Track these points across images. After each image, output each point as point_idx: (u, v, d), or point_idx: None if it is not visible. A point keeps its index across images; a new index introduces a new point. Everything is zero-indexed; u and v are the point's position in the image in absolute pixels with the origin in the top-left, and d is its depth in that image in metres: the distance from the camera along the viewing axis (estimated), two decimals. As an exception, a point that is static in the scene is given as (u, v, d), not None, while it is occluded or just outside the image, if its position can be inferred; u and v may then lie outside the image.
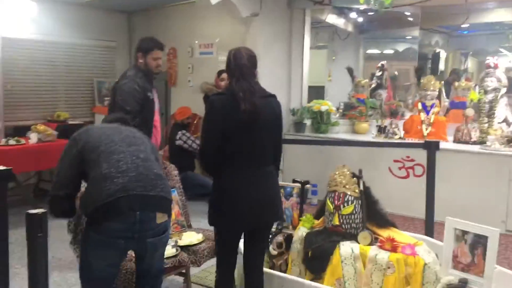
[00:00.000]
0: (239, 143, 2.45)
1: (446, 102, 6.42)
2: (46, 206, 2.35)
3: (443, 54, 8.47)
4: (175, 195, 3.36)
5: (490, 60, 5.77)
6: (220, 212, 2.50)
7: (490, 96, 5.57)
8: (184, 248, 3.02)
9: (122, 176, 2.20)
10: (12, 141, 5.13)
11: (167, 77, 7.17)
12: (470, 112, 5.48)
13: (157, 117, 3.79)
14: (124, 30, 7.64)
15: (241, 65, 2.47)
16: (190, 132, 5.95)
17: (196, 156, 5.63)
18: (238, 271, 2.79)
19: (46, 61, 6.45)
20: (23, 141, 5.23)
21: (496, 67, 5.77)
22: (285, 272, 2.98)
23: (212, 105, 2.50)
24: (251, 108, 2.39)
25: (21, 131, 5.62)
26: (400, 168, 5.47)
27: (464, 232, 2.47)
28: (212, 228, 2.64)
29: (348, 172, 2.91)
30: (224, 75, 5.31)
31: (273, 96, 2.58)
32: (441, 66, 8.49)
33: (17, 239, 3.99)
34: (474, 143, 5.36)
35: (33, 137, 5.29)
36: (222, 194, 2.49)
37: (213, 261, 3.14)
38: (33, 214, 1.73)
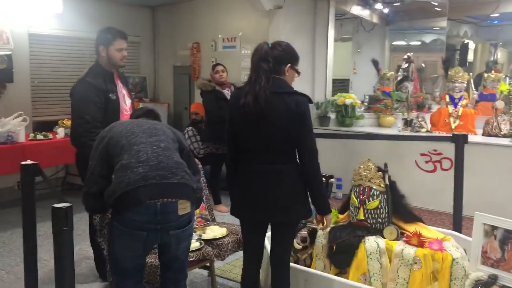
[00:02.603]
0: (249, 138, 2.44)
1: (475, 94, 6.28)
2: (81, 202, 2.42)
3: (471, 45, 8.28)
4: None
5: (521, 51, 5.61)
6: (234, 204, 2.58)
7: (520, 88, 5.42)
8: (208, 241, 3.03)
9: (143, 165, 2.23)
10: (40, 136, 5.23)
11: (190, 71, 7.20)
12: (500, 104, 5.33)
13: (127, 117, 3.31)
14: (148, 25, 7.69)
15: (259, 59, 2.41)
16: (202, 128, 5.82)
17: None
18: (264, 265, 2.79)
19: (72, 56, 6.55)
20: (50, 135, 5.33)
21: (527, 57, 5.61)
22: (309, 266, 2.97)
23: (230, 100, 2.57)
24: (252, 102, 2.33)
25: (48, 126, 5.74)
26: (427, 162, 5.37)
27: (494, 228, 2.41)
28: (236, 222, 2.66)
29: (373, 166, 2.87)
30: (218, 68, 5.26)
31: (294, 94, 2.43)
32: (470, 57, 8.30)
33: (46, 232, 4.09)
34: (504, 136, 5.22)
35: (60, 132, 5.39)
36: (236, 189, 2.56)
37: (237, 255, 3.15)
38: (59, 208, 1.74)
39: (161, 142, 2.37)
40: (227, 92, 5.14)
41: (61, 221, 1.72)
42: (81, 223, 4.12)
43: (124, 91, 3.47)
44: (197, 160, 3.45)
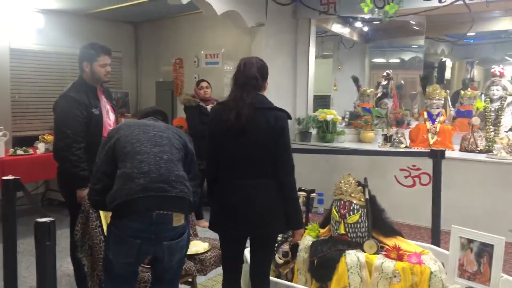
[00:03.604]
0: (230, 154, 2.48)
1: (452, 111, 6.43)
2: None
3: (449, 63, 8.49)
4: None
5: (496, 69, 5.78)
6: (214, 220, 2.57)
7: (496, 105, 5.57)
8: (191, 256, 3.03)
9: (144, 177, 2.28)
10: (20, 151, 5.18)
11: (173, 87, 7.22)
12: (476, 120, 5.47)
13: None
14: (130, 41, 7.71)
15: (246, 76, 2.47)
16: None
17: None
18: (245, 280, 2.80)
19: (53, 71, 6.52)
20: (30, 151, 5.28)
21: (502, 75, 5.77)
22: (291, 281, 2.99)
23: (210, 116, 2.60)
24: (235, 118, 2.39)
25: (28, 141, 5.67)
26: (406, 177, 5.46)
27: (470, 241, 2.47)
28: (218, 237, 2.67)
29: (353, 181, 2.92)
30: (203, 84, 5.32)
31: (274, 109, 2.48)
32: (447, 75, 8.50)
33: (25, 248, 4.03)
34: (481, 151, 5.34)
35: (40, 147, 5.34)
36: (215, 203, 2.57)
37: (219, 270, 3.15)
38: (42, 222, 1.75)
39: (164, 154, 2.40)
40: (209, 107, 5.18)
41: (44, 236, 1.72)
42: (62, 239, 4.07)
43: (108, 106, 3.48)
44: None
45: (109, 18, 7.13)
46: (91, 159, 3.13)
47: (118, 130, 2.51)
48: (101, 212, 2.92)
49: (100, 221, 2.91)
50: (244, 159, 2.46)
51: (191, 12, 6.47)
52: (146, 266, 2.75)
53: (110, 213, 2.40)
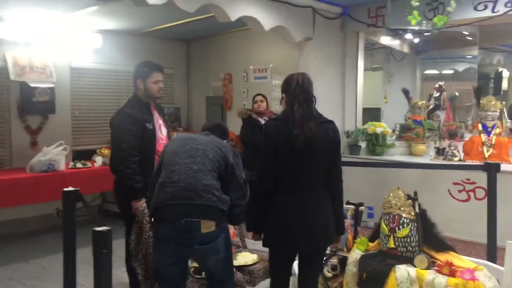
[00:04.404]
0: (292, 168, 2.50)
1: (508, 122, 6.18)
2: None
3: (505, 73, 8.19)
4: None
5: (554, 78, 5.53)
6: (269, 235, 2.59)
7: (554, 115, 5.33)
8: (240, 268, 3.07)
9: (173, 186, 2.50)
10: (79, 164, 5.45)
11: (223, 102, 7.36)
12: (534, 132, 5.25)
13: (162, 146, 3.33)
14: (182, 57, 7.97)
15: (299, 91, 2.53)
16: None
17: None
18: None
19: (110, 88, 6.84)
20: (89, 164, 5.54)
21: (562, 85, 5.53)
22: (339, 294, 2.97)
23: (266, 131, 2.61)
24: (304, 133, 2.43)
25: (87, 155, 5.96)
26: (460, 191, 5.29)
27: (527, 257, 2.38)
28: (266, 249, 2.70)
29: (402, 194, 2.88)
30: (257, 98, 5.44)
31: (330, 122, 2.60)
32: (504, 86, 8.20)
33: (83, 257, 4.19)
34: (540, 164, 5.11)
35: (98, 160, 5.60)
36: (275, 218, 2.55)
37: (268, 281, 3.18)
38: (99, 231, 1.85)
39: (195, 164, 2.57)
40: (263, 120, 5.27)
41: (101, 244, 1.82)
42: (117, 249, 4.21)
43: (161, 121, 3.62)
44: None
45: (162, 37, 7.40)
46: (145, 172, 3.28)
47: (167, 144, 2.79)
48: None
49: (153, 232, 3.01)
50: (304, 173, 2.51)
51: (239, 29, 6.61)
52: (197, 276, 2.85)
53: None
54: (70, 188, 2.56)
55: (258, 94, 5.59)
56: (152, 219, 2.67)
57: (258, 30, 5.34)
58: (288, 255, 2.64)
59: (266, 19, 5.22)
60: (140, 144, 3.35)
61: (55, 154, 5.11)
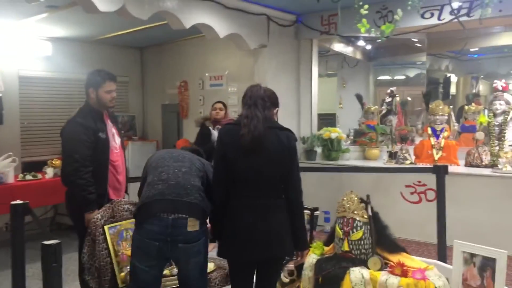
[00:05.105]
0: (243, 172, 2.50)
1: (456, 126, 6.44)
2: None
3: (454, 78, 8.52)
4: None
5: (498, 83, 5.81)
6: (224, 244, 2.58)
7: (499, 119, 5.58)
8: (196, 277, 3.04)
9: (162, 183, 2.57)
10: (29, 176, 5.26)
11: (179, 109, 7.31)
12: (480, 135, 5.48)
13: (116, 155, 3.49)
14: (136, 65, 7.87)
15: (255, 96, 2.56)
16: None
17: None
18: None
19: (61, 97, 6.67)
20: (39, 176, 5.36)
21: (504, 89, 5.80)
22: (297, 299, 2.99)
23: (218, 137, 2.65)
24: (251, 133, 2.44)
25: (37, 166, 5.76)
26: (412, 193, 5.46)
27: (473, 255, 2.47)
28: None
29: (356, 198, 2.93)
30: (216, 105, 5.37)
31: (285, 129, 2.59)
32: (453, 90, 8.52)
33: (34, 272, 4.07)
34: (486, 166, 5.34)
35: (49, 172, 5.42)
36: (227, 226, 2.55)
37: (225, 290, 3.17)
38: (48, 244, 1.80)
39: (183, 167, 2.68)
40: (216, 129, 5.20)
41: (50, 258, 1.77)
42: (70, 262, 4.11)
43: (114, 130, 3.56)
44: None
45: (115, 44, 7.29)
46: (98, 183, 3.21)
47: (150, 157, 2.87)
48: (107, 234, 2.97)
49: (107, 243, 2.96)
50: (257, 179, 2.50)
51: (194, 36, 6.60)
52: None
53: (115, 236, 2.68)
54: (18, 201, 2.48)
55: (218, 102, 5.48)
56: (135, 220, 2.68)
57: (213, 38, 5.34)
58: (244, 265, 2.60)
59: (221, 27, 5.23)
60: (93, 154, 3.28)
61: (3, 166, 4.92)
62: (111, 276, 2.90)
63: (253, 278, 2.67)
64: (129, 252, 3.02)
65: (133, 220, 3.13)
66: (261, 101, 2.56)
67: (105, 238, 2.96)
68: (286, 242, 2.57)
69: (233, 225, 2.53)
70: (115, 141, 3.54)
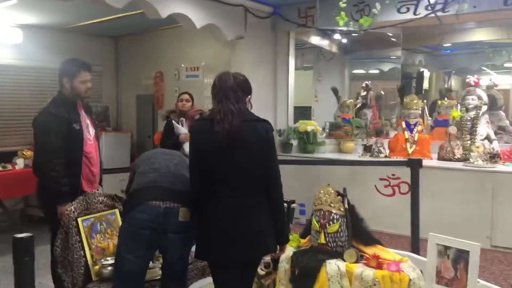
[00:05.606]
0: (219, 170, 2.36)
1: (429, 120, 6.54)
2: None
3: (427, 73, 8.65)
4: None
5: (471, 79, 5.91)
6: (202, 245, 2.44)
7: (471, 114, 5.69)
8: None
9: (154, 172, 2.63)
10: (-2, 167, 5.13)
11: (154, 100, 7.22)
12: (452, 129, 5.58)
13: (90, 147, 3.40)
14: (110, 55, 7.72)
15: (225, 87, 2.39)
16: None
17: None
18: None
19: (32, 86, 6.49)
20: (9, 167, 5.23)
21: (477, 85, 5.91)
22: (273, 292, 2.99)
23: (191, 134, 2.50)
24: (226, 129, 2.29)
25: (7, 157, 5.61)
26: (386, 186, 5.53)
27: (447, 248, 2.52)
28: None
29: (332, 191, 2.95)
30: (183, 96, 5.05)
31: (263, 121, 2.44)
32: (426, 85, 8.65)
33: (5, 266, 3.97)
34: (458, 160, 5.44)
35: (19, 163, 5.30)
36: (207, 227, 2.40)
37: (201, 283, 3.15)
38: (20, 238, 1.74)
39: (174, 160, 2.77)
40: (181, 121, 4.94)
41: (22, 251, 1.72)
42: (42, 256, 4.01)
43: (88, 121, 3.47)
44: None
45: (89, 33, 7.13)
46: (71, 174, 3.14)
47: (141, 155, 2.95)
48: (81, 227, 2.91)
49: (80, 236, 2.90)
50: (236, 176, 2.35)
51: (171, 26, 6.50)
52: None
53: (89, 229, 2.68)
54: (-13, 193, 2.41)
55: (184, 93, 5.18)
56: (124, 209, 2.70)
57: (189, 28, 5.27)
58: (230, 265, 2.44)
59: (198, 17, 5.16)
60: (66, 146, 3.19)
61: (-29, 156, 4.79)
62: (84, 270, 2.84)
63: (238, 280, 2.51)
64: (103, 245, 2.99)
65: (107, 212, 3.10)
66: (232, 92, 2.38)
67: (79, 231, 2.90)
68: (269, 241, 2.45)
69: (212, 225, 2.38)
70: (89, 132, 3.45)
